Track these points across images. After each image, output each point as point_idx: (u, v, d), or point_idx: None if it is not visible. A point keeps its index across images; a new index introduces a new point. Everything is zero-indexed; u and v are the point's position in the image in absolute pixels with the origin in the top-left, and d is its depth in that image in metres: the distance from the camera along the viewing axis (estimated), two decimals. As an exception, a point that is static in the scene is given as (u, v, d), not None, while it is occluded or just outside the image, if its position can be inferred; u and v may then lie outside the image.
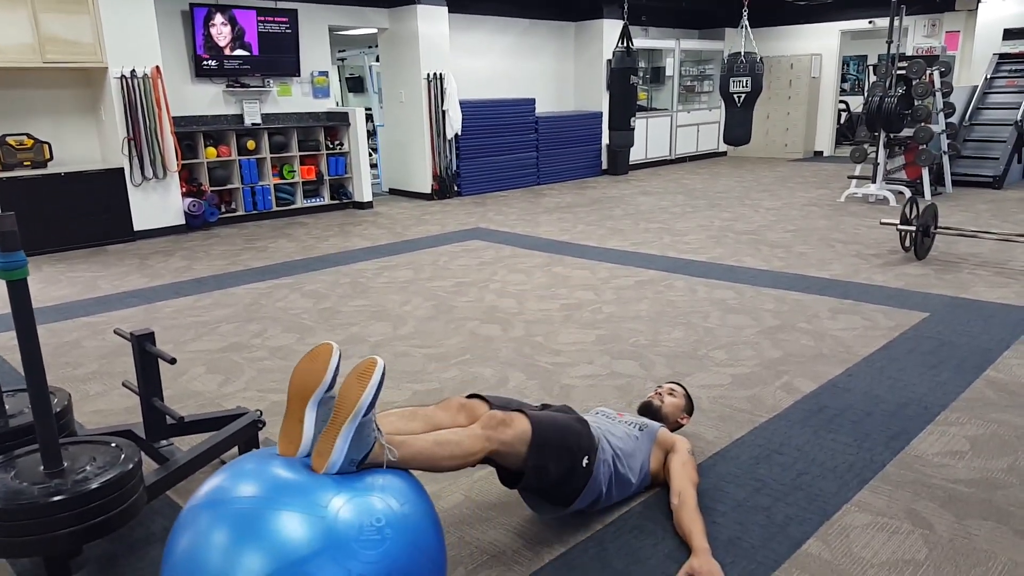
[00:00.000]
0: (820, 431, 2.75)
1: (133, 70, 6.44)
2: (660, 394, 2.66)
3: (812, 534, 2.12)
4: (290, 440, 1.64)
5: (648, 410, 2.59)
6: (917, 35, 11.23)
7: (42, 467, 1.93)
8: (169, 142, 6.73)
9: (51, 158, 6.35)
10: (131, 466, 1.99)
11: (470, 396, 2.13)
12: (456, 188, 9.07)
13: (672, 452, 2.33)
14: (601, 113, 10.55)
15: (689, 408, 2.69)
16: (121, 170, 6.54)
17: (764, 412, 2.93)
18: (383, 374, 1.62)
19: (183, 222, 7.01)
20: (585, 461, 2.08)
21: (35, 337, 1.85)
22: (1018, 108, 8.78)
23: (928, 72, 7.87)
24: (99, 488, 1.89)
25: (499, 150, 9.44)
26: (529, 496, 2.17)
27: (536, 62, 10.48)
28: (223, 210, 7.43)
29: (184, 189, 7.03)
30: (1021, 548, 2.04)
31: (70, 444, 2.09)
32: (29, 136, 6.21)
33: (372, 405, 1.61)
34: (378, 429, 1.65)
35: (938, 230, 5.44)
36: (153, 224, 6.81)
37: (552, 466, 1.99)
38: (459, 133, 8.84)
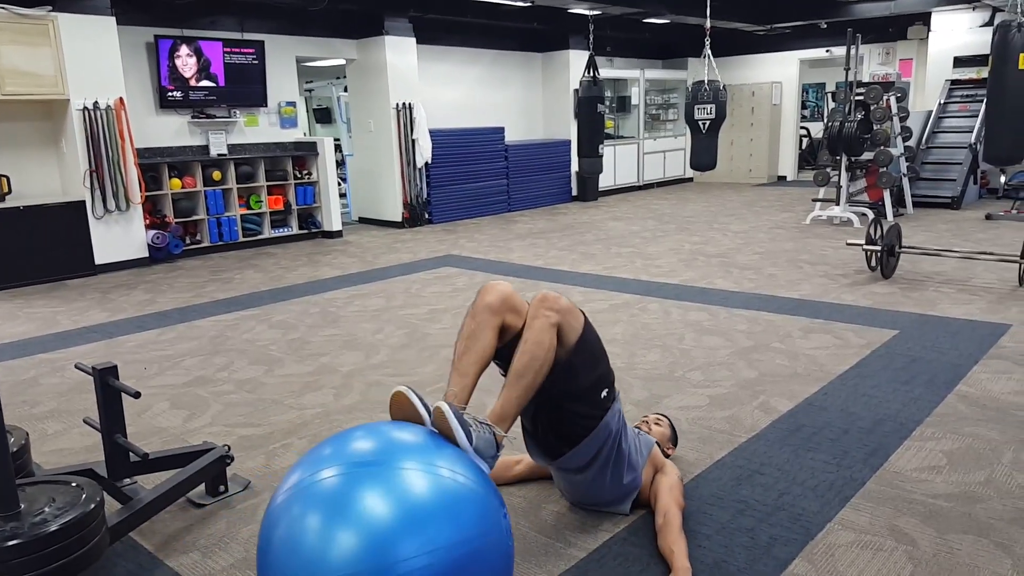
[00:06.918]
0: (799, 450, 2.74)
1: (96, 102, 6.34)
2: (647, 422, 2.67)
3: (797, 554, 2.09)
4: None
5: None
6: (872, 63, 11.57)
7: (-4, 510, 1.83)
8: (133, 174, 6.62)
9: (9, 191, 6.20)
10: (92, 506, 1.90)
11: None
12: (427, 216, 9.04)
13: (661, 473, 2.32)
14: (569, 141, 10.65)
15: (674, 439, 2.69)
16: (82, 203, 6.41)
17: (743, 432, 2.92)
18: (456, 414, 1.76)
19: (146, 255, 6.86)
20: (605, 392, 2.15)
21: (-11, 372, 1.76)
22: (971, 131, 9.06)
23: (885, 98, 8.09)
24: (58, 531, 1.79)
25: (469, 178, 9.45)
26: (534, 431, 2.19)
27: (505, 92, 10.57)
28: (188, 242, 7.30)
29: (148, 221, 6.90)
30: (1003, 561, 2.03)
31: (27, 485, 1.99)
32: (-14, 169, 6.08)
33: (469, 436, 1.76)
34: (485, 424, 1.83)
35: (903, 249, 5.54)
36: (115, 257, 6.66)
37: (582, 373, 2.08)
38: (429, 162, 8.83)
